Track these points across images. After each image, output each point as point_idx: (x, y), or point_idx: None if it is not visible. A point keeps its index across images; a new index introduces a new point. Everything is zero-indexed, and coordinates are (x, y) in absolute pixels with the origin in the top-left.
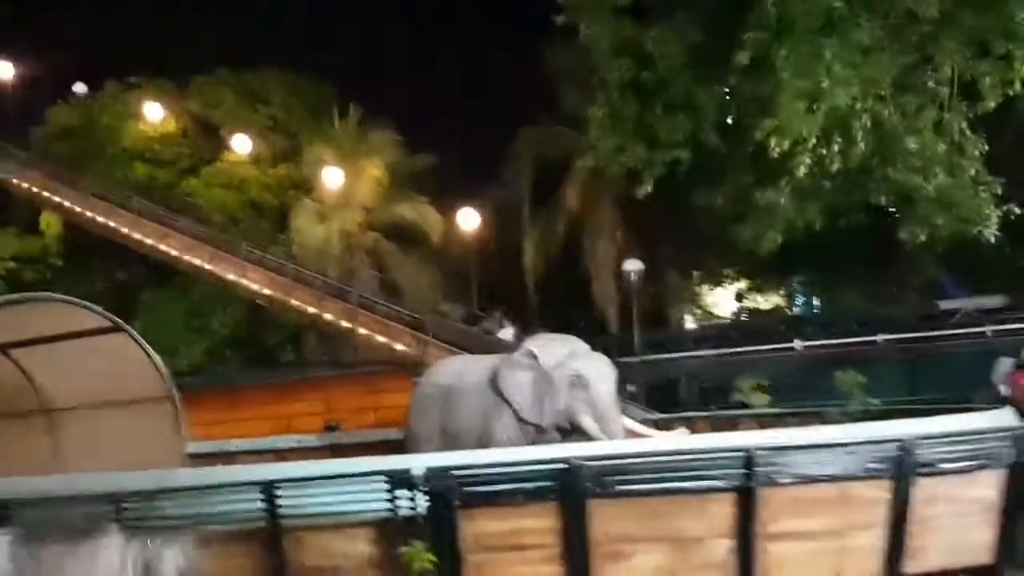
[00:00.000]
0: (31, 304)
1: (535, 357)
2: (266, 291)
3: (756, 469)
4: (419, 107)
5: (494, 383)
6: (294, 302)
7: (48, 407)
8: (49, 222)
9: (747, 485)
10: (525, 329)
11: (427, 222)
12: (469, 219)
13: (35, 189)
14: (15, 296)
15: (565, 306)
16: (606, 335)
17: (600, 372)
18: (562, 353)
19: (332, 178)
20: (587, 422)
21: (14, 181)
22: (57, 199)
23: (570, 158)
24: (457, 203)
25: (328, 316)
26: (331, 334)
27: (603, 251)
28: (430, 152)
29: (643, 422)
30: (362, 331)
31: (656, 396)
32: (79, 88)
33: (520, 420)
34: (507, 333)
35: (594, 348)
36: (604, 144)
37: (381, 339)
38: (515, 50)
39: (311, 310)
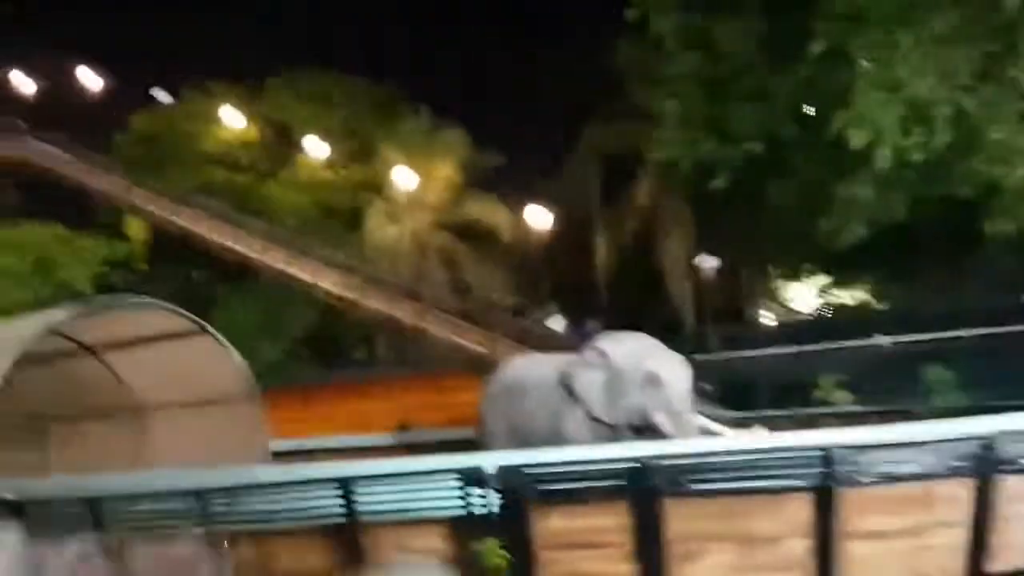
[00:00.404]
0: (120, 308)
1: (606, 355)
2: (339, 291)
3: (835, 467)
4: (487, 105)
5: (565, 381)
6: (366, 302)
7: (136, 407)
8: (134, 227)
9: (826, 484)
10: (575, 320)
11: (497, 221)
12: (539, 217)
13: (120, 194)
14: (106, 300)
15: (637, 303)
16: (680, 332)
17: (674, 370)
18: (634, 351)
19: (403, 179)
20: (660, 421)
21: (100, 186)
22: (141, 204)
23: (639, 154)
24: (526, 201)
25: (399, 315)
26: (402, 333)
27: (675, 247)
28: (499, 150)
29: (719, 421)
30: (432, 330)
31: (732, 394)
32: (160, 94)
33: (592, 418)
34: (557, 323)
35: (667, 346)
36: (674, 138)
37: (451, 338)
38: (582, 46)
39: (383, 310)
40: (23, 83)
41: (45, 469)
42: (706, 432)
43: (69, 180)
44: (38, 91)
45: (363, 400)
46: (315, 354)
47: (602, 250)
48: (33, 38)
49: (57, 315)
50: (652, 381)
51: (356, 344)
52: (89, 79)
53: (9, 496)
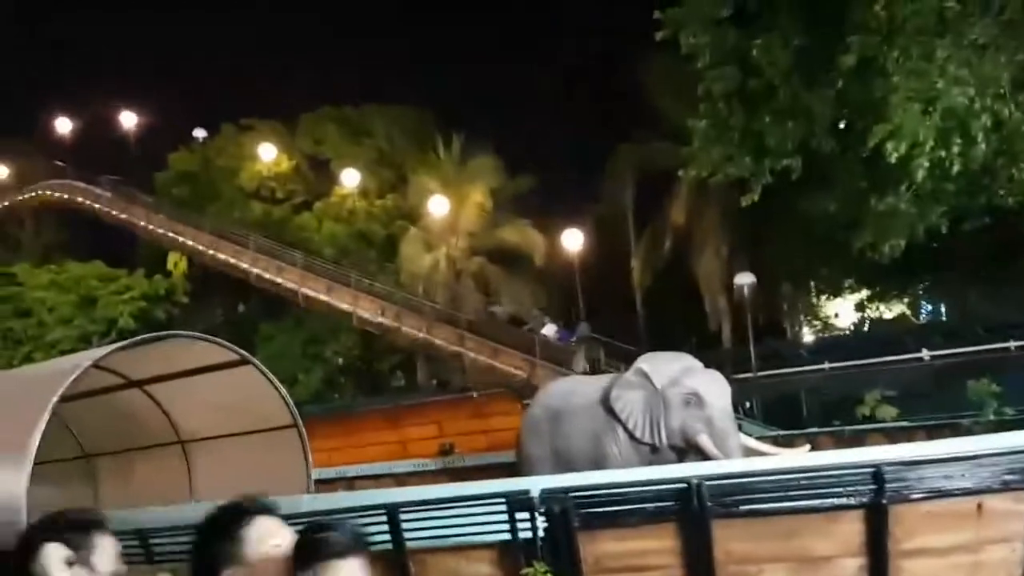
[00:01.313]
0: (164, 341)
1: (647, 376)
2: (377, 319)
3: (886, 485)
4: (517, 129)
5: (606, 403)
6: (404, 328)
7: (182, 439)
8: (176, 262)
9: (878, 501)
10: (568, 326)
11: (530, 244)
12: (572, 238)
13: (161, 231)
14: (150, 335)
15: (675, 322)
16: (719, 350)
17: (715, 389)
18: (674, 370)
19: (437, 206)
20: (704, 440)
21: (141, 224)
22: (181, 239)
23: (671, 172)
24: (559, 223)
25: (437, 341)
26: (440, 358)
27: (712, 264)
28: (530, 174)
29: (762, 439)
30: (470, 354)
31: (775, 412)
32: (198, 133)
33: (634, 440)
34: (549, 331)
35: (707, 364)
36: (709, 154)
37: (489, 361)
38: (611, 67)
39: (420, 335)
40: (67, 126)
41: (96, 504)
42: (750, 451)
43: (112, 218)
44: (82, 133)
45: (403, 426)
46: (355, 381)
47: (638, 269)
48: (77, 84)
49: (102, 350)
50: (694, 401)
51: (395, 370)
52: (130, 121)
53: None
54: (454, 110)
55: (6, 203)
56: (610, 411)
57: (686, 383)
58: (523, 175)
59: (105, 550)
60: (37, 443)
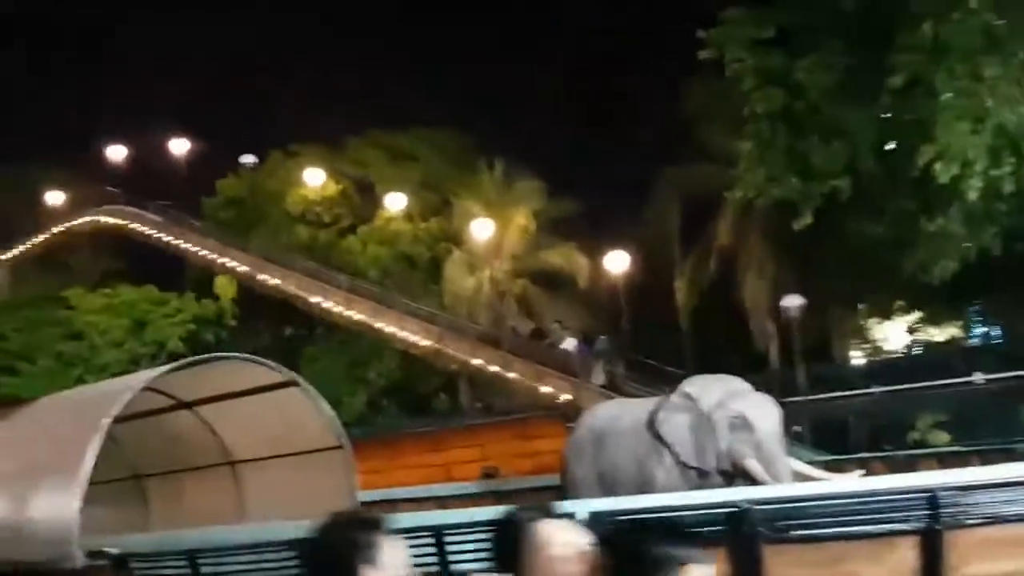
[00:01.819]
0: (214, 363)
1: (693, 398)
2: (421, 341)
3: (942, 510)
4: (561, 152)
5: (651, 426)
6: (447, 350)
7: (231, 460)
8: (224, 286)
9: (932, 527)
10: (590, 342)
11: (574, 266)
12: (616, 260)
13: (210, 255)
14: (200, 357)
15: (720, 344)
16: (767, 373)
17: (763, 412)
18: (721, 393)
19: (480, 229)
20: (752, 465)
21: (191, 249)
22: (230, 264)
23: (717, 194)
24: (603, 245)
25: (480, 363)
26: (484, 380)
27: (758, 286)
28: (574, 196)
29: (812, 464)
30: (513, 376)
31: (824, 437)
32: (246, 159)
33: (680, 464)
34: (569, 344)
35: (755, 387)
36: (754, 176)
37: (532, 384)
38: (654, 90)
39: (463, 358)
40: (120, 153)
41: (146, 524)
42: (800, 476)
43: (162, 243)
44: (134, 160)
45: (447, 449)
46: (399, 404)
47: (683, 291)
48: (130, 111)
49: (154, 372)
50: (741, 424)
51: (438, 393)
52: (181, 148)
53: (115, 551)
54: (496, 132)
55: (61, 229)
56: (656, 434)
57: (733, 406)
58: (566, 197)
59: (394, 551)
60: (91, 465)
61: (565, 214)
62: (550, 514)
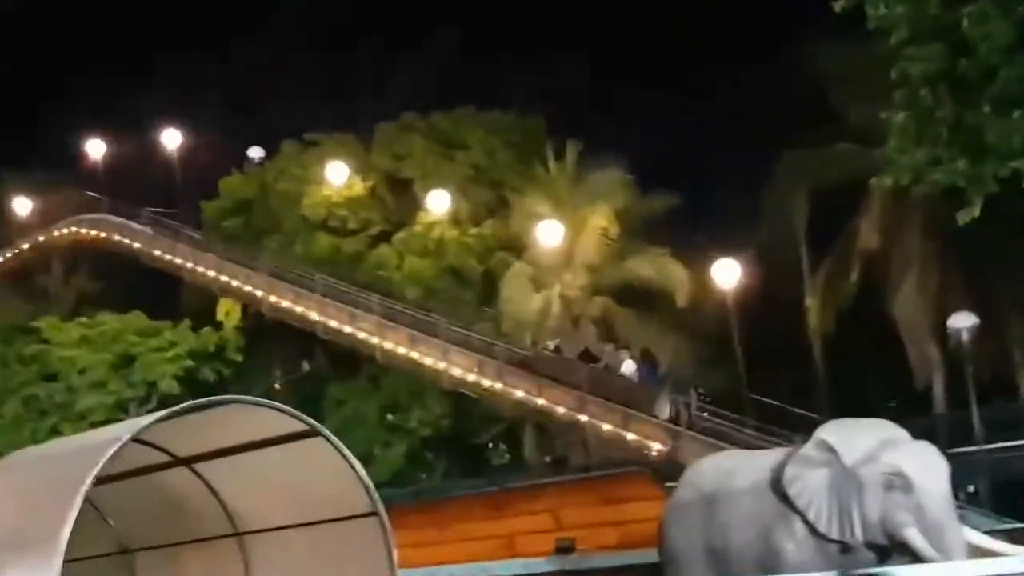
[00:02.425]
0: (216, 409)
1: (833, 450)
2: (473, 378)
3: None
4: (651, 137)
5: (777, 486)
6: (507, 389)
7: (238, 530)
8: (227, 311)
9: None
10: (653, 364)
11: (670, 279)
12: (725, 271)
13: (210, 273)
14: (200, 401)
15: (867, 378)
16: (930, 415)
17: (927, 468)
18: (870, 443)
19: (548, 234)
20: (913, 536)
21: (187, 265)
22: (234, 283)
23: (858, 182)
24: (707, 252)
25: (549, 405)
26: (555, 428)
27: (916, 301)
28: (667, 190)
29: (991, 534)
30: (594, 422)
31: (1007, 498)
32: (253, 153)
33: (816, 535)
34: (627, 368)
35: (913, 434)
36: (909, 157)
37: (620, 432)
38: (772, 53)
39: (528, 398)
40: (100, 149)
41: None
42: (976, 550)
43: (153, 259)
44: (116, 157)
45: (509, 516)
46: (446, 458)
47: (816, 309)
48: (112, 99)
49: (143, 421)
50: (898, 483)
51: (497, 443)
52: (173, 140)
53: None
54: (567, 113)
55: (29, 245)
56: (784, 496)
57: (887, 459)
58: (658, 192)
59: None
60: (67, 538)
61: (657, 213)
62: None
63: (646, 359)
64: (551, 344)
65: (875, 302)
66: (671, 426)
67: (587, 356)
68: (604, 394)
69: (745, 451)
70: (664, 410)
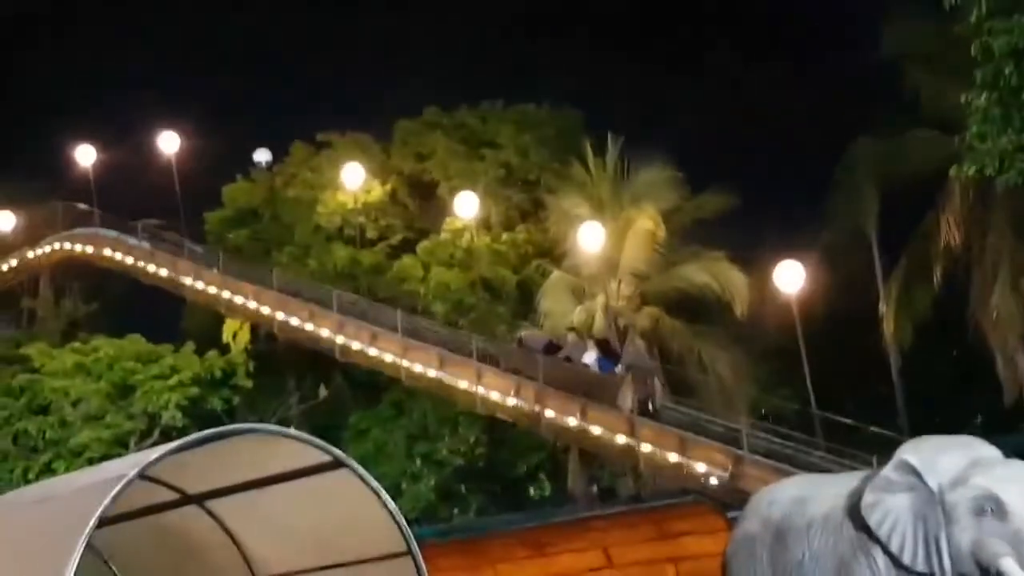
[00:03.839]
0: (229, 440)
1: (916, 473)
2: (510, 401)
3: None
4: (701, 130)
5: (855, 514)
6: (548, 413)
7: (256, 573)
8: (235, 332)
9: None
10: (614, 355)
11: (728, 286)
12: (789, 276)
13: (214, 291)
14: (210, 432)
15: (950, 392)
16: (1022, 433)
17: (1022, 490)
18: (959, 464)
19: (589, 238)
20: (1010, 567)
21: (190, 283)
22: (242, 301)
23: (937, 172)
24: (767, 256)
25: (596, 430)
26: (602, 456)
27: (1007, 305)
28: (721, 187)
29: None
30: (646, 448)
31: None
32: (260, 156)
33: (900, 567)
34: (589, 358)
35: (1006, 454)
36: (992, 143)
37: (674, 458)
38: (835, 30)
39: (572, 423)
40: (91, 156)
41: None
42: None
43: (151, 277)
44: (108, 165)
45: (553, 553)
46: (484, 491)
47: (891, 317)
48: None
49: (150, 455)
50: (991, 508)
51: (537, 473)
52: (171, 144)
53: None
54: (607, 106)
55: (14, 263)
56: (862, 525)
57: (977, 482)
58: (712, 189)
59: None
60: None
61: (712, 214)
62: None
63: (605, 349)
64: (520, 337)
65: (958, 308)
66: (635, 416)
67: (551, 348)
68: (563, 385)
69: (817, 476)
70: (627, 400)
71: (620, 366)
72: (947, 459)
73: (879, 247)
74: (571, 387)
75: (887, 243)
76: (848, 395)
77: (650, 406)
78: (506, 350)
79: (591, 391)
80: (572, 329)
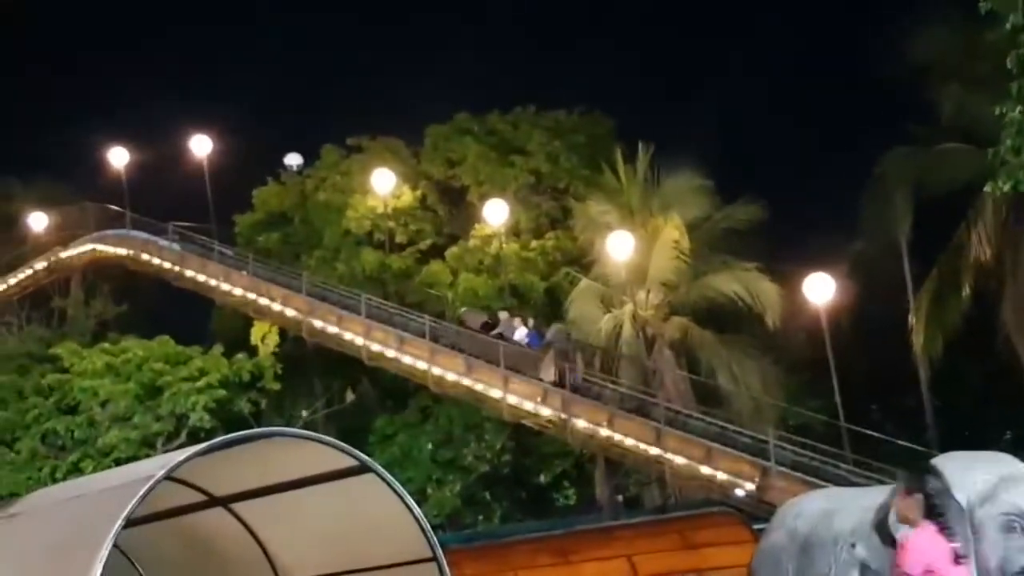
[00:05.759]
0: (256, 443)
1: (947, 487)
2: (538, 409)
3: None
4: (732, 139)
5: (883, 528)
6: (575, 421)
7: (281, 575)
8: (263, 335)
9: None
10: (540, 332)
11: (759, 297)
12: (819, 288)
13: (243, 293)
14: (237, 435)
15: (980, 406)
16: None
17: None
18: (988, 480)
19: (618, 246)
20: None
21: (219, 286)
22: (270, 304)
23: (970, 187)
24: (798, 268)
25: (622, 438)
26: (628, 464)
27: None
28: (751, 197)
29: None
30: (672, 458)
31: None
32: (291, 160)
33: None
34: (519, 335)
35: None
36: None
37: (700, 468)
38: (866, 40)
39: (598, 431)
40: (123, 159)
41: None
42: None
43: (181, 279)
44: (140, 167)
45: (578, 562)
46: (507, 498)
47: (921, 330)
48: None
49: (176, 456)
50: (1019, 525)
51: (562, 481)
52: (203, 148)
53: None
54: (637, 113)
55: (45, 264)
56: (891, 540)
57: (1006, 498)
58: (742, 200)
59: None
60: None
61: (742, 224)
62: None
63: (535, 327)
64: (461, 319)
65: (989, 321)
66: (555, 388)
67: (487, 327)
68: (493, 359)
69: (844, 489)
70: (549, 372)
71: (545, 342)
72: (976, 475)
73: (910, 258)
74: (499, 360)
75: (918, 255)
76: (876, 407)
77: (568, 379)
78: (450, 330)
79: (517, 364)
80: (506, 309)
